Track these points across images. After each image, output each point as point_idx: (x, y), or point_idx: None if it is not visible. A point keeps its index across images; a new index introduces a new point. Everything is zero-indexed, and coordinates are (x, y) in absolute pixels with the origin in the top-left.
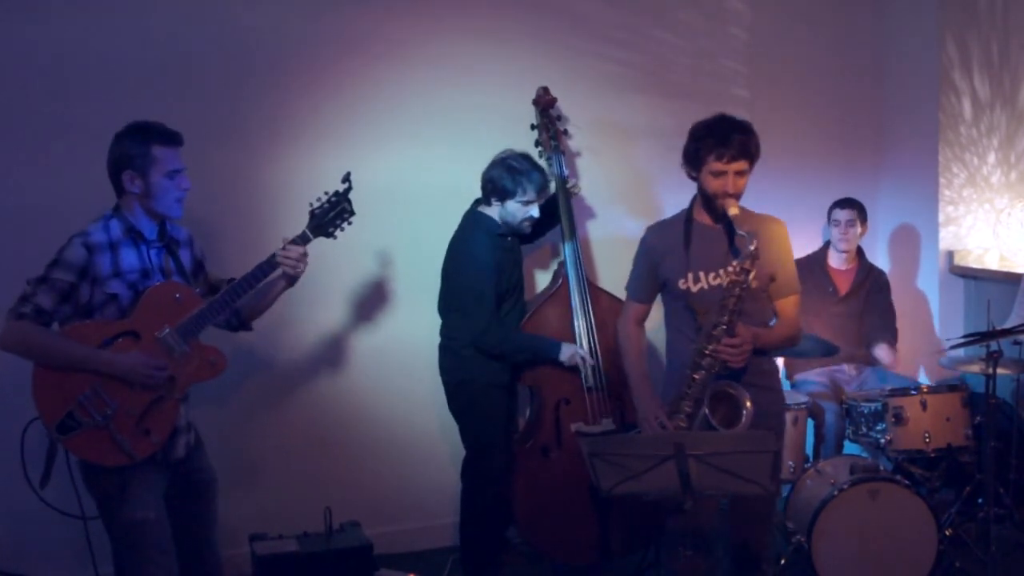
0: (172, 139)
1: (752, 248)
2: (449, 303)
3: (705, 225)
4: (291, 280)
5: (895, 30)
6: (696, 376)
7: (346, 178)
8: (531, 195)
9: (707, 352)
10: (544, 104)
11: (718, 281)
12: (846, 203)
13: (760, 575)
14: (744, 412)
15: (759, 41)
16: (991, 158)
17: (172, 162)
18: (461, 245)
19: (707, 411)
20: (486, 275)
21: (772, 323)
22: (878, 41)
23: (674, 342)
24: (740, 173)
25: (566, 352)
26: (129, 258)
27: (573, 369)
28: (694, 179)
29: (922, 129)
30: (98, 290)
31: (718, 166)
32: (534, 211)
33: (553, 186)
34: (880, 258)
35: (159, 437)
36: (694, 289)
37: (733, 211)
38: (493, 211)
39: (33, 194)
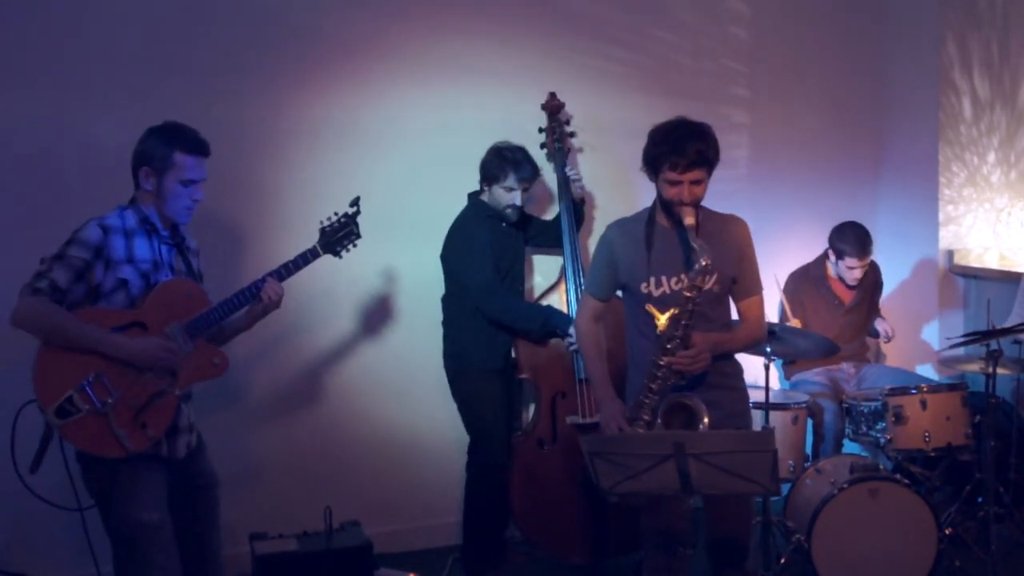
0: (197, 148)
1: (704, 264)
2: (448, 285)
3: (667, 228)
4: (262, 313)
5: (895, 30)
6: (653, 386)
7: (354, 202)
8: (512, 183)
9: (663, 364)
10: (552, 108)
11: (679, 285)
12: (865, 249)
13: (743, 573)
14: (701, 426)
15: (759, 41)
16: (991, 157)
17: (191, 171)
18: (455, 227)
19: (660, 422)
20: (479, 244)
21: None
22: (878, 41)
23: (637, 343)
24: (696, 182)
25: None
26: (142, 247)
27: (568, 362)
28: (653, 182)
29: (922, 128)
30: (110, 274)
31: (673, 175)
32: (516, 198)
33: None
34: (880, 257)
35: (155, 432)
36: (656, 293)
37: (689, 221)
38: (485, 196)
39: (37, 198)
